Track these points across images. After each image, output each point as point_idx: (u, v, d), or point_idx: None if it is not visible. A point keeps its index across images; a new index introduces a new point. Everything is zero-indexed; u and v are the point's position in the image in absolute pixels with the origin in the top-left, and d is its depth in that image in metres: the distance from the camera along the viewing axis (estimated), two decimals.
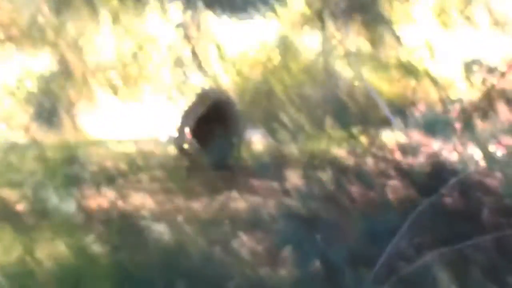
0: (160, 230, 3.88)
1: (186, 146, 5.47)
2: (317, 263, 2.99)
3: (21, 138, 5.25)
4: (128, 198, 4.41)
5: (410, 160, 3.91)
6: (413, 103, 4.55)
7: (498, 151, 3.83)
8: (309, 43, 6.72)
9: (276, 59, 6.87)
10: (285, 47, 6.83)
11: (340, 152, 4.84)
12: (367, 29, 5.76)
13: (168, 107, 6.62)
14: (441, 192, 3.28)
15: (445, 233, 3.00)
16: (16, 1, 6.18)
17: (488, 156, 3.78)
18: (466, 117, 4.25)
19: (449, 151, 3.89)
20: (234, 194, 4.66)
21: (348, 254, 2.95)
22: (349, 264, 2.86)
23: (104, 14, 6.21)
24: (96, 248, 3.58)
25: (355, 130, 4.61)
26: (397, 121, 4.45)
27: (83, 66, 5.99)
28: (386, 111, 4.59)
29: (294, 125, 5.83)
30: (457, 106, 4.33)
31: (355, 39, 6.06)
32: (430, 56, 5.09)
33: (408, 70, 4.93)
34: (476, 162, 3.72)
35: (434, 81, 4.81)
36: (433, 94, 4.67)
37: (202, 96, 5.78)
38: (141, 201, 4.40)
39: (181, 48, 6.96)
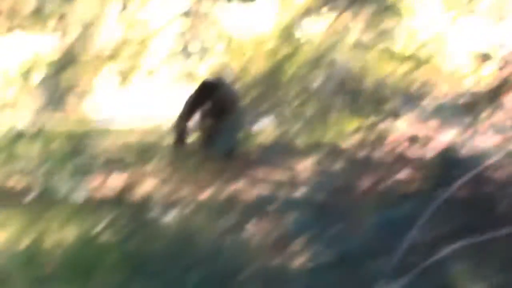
0: (170, 219, 3.85)
1: (184, 135, 5.39)
2: (332, 254, 2.95)
3: (28, 126, 5.20)
4: (136, 187, 4.37)
5: (422, 151, 3.88)
6: (424, 94, 4.51)
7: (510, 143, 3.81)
8: (315, 32, 6.67)
9: (282, 47, 6.82)
10: (291, 35, 6.78)
11: (349, 142, 4.81)
12: (374, 19, 5.71)
13: (173, 95, 6.58)
14: (456, 184, 3.23)
15: (461, 225, 2.97)
16: None
17: (501, 147, 3.76)
18: (478, 108, 4.23)
19: (461, 142, 3.86)
20: (242, 183, 4.63)
21: (363, 246, 2.92)
22: (365, 255, 2.83)
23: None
24: (106, 237, 3.55)
25: (365, 120, 4.58)
26: (408, 111, 4.41)
27: (89, 53, 5.93)
28: (397, 101, 4.55)
29: (302, 114, 5.79)
30: (468, 97, 4.30)
31: (362, 28, 6.01)
32: (441, 47, 5.05)
33: (419, 61, 4.88)
34: (490, 154, 3.69)
35: (445, 72, 4.77)
36: (444, 85, 4.63)
37: (206, 85, 5.70)
38: (149, 190, 4.36)
39: (186, 35, 6.91)
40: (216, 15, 6.80)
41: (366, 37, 5.77)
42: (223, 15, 6.80)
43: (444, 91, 4.52)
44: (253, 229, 3.81)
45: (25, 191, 4.21)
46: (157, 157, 5.03)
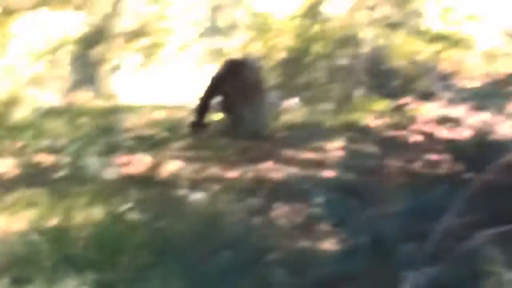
0: (198, 198, 3.84)
1: (204, 115, 5.28)
2: (361, 238, 2.91)
3: (56, 102, 5.22)
4: (164, 165, 4.37)
5: (456, 133, 3.80)
6: (456, 75, 4.41)
7: None
8: (343, 10, 6.58)
9: (309, 26, 6.73)
10: (318, 13, 6.69)
11: (379, 123, 4.74)
12: None
13: (201, 72, 6.55)
14: (490, 168, 3.16)
15: (495, 211, 2.91)
16: None
17: None
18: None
19: (497, 125, 3.77)
20: (270, 164, 4.59)
21: (394, 230, 2.87)
22: (395, 240, 2.78)
23: None
24: (134, 215, 3.55)
25: (395, 101, 4.51)
26: (440, 92, 4.33)
27: (116, 29, 5.92)
28: (428, 82, 4.46)
29: (330, 94, 5.73)
30: (504, 79, 4.20)
31: (390, 6, 5.90)
32: (475, 26, 4.93)
33: (452, 40, 4.77)
34: None
35: (481, 53, 4.66)
36: (480, 66, 4.53)
37: (230, 64, 5.58)
38: (177, 169, 4.35)
39: (213, 14, 6.86)
40: None
41: (396, 16, 5.68)
42: None
43: (477, 72, 4.42)
44: (281, 210, 3.78)
45: (54, 168, 4.23)
46: (183, 135, 5.01)
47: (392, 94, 4.74)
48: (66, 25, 6.20)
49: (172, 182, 4.08)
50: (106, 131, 4.34)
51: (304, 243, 3.33)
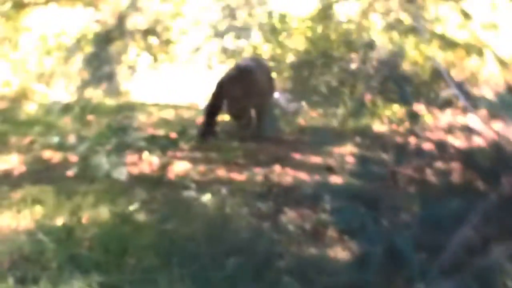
0: (206, 201, 3.79)
1: (214, 119, 5.17)
2: (375, 246, 2.84)
3: (66, 99, 5.18)
4: (173, 166, 4.32)
5: (470, 143, 3.72)
6: (474, 83, 4.34)
7: None
8: (355, 13, 6.53)
9: (320, 29, 6.69)
10: (325, 16, 6.64)
11: (390, 128, 4.67)
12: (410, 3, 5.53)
13: (210, 73, 6.51)
14: (507, 179, 3.09)
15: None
16: None
17: None
18: None
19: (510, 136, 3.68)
20: (278, 167, 4.54)
21: (409, 239, 2.80)
22: (410, 250, 2.72)
23: None
24: (142, 216, 3.50)
25: (408, 106, 4.42)
26: (457, 101, 4.24)
27: (127, 28, 5.88)
28: (447, 89, 4.38)
29: (341, 97, 5.67)
30: None
31: (402, 11, 5.84)
32: (493, 35, 4.86)
33: (469, 48, 4.70)
34: None
35: (499, 60, 4.59)
36: (496, 75, 4.46)
37: (240, 66, 5.47)
38: (185, 170, 4.30)
39: (226, 14, 6.82)
40: None
41: (411, 21, 5.61)
42: None
43: (493, 80, 4.35)
44: (290, 215, 3.73)
45: (62, 165, 4.19)
46: (192, 136, 4.96)
47: (405, 100, 4.66)
48: (78, 22, 6.18)
49: (180, 183, 4.03)
50: (115, 129, 4.29)
51: (313, 250, 3.28)
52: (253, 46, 6.84)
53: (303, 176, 4.42)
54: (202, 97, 5.98)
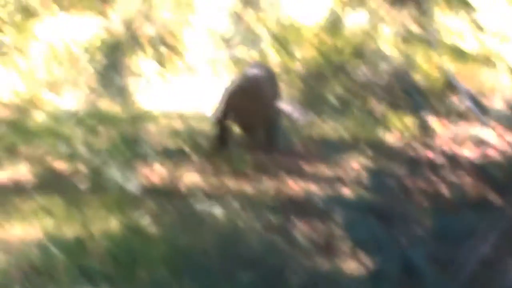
0: (216, 213, 3.76)
1: (226, 130, 5.10)
2: (389, 261, 2.81)
3: (75, 108, 5.17)
4: (183, 178, 4.30)
5: (483, 155, 3.69)
6: (487, 95, 4.31)
7: None
8: (360, 23, 6.51)
9: (329, 39, 6.67)
10: (335, 26, 6.63)
11: (400, 139, 4.65)
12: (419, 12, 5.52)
13: (214, 82, 6.49)
14: None
15: None
16: None
17: None
18: None
19: None
20: (288, 179, 4.51)
21: (424, 254, 2.76)
22: (426, 265, 2.68)
23: None
24: (153, 229, 3.48)
25: (422, 119, 4.40)
26: (470, 112, 4.22)
27: (136, 37, 5.89)
28: (460, 101, 4.36)
29: (349, 108, 5.64)
30: None
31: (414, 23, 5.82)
32: (506, 46, 4.83)
33: (482, 59, 4.67)
34: None
35: (510, 73, 4.56)
36: (510, 87, 4.43)
37: (247, 74, 5.41)
38: (196, 182, 4.27)
39: (230, 23, 6.82)
40: (260, 3, 6.69)
41: (422, 31, 5.59)
42: (266, 4, 6.68)
43: (507, 92, 4.32)
44: (301, 229, 3.70)
45: (72, 176, 4.17)
46: (203, 147, 4.93)
47: (416, 111, 4.63)
48: (87, 30, 6.17)
49: (190, 195, 4.00)
50: (125, 140, 4.27)
51: (326, 264, 3.25)
52: (262, 54, 6.83)
53: (314, 188, 4.39)
54: (210, 106, 5.95)
